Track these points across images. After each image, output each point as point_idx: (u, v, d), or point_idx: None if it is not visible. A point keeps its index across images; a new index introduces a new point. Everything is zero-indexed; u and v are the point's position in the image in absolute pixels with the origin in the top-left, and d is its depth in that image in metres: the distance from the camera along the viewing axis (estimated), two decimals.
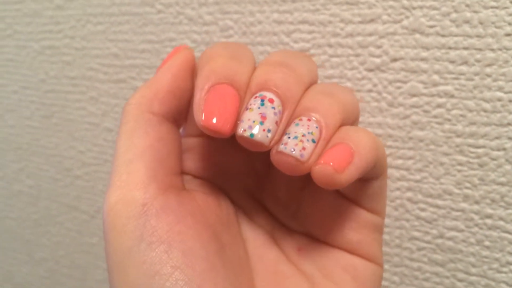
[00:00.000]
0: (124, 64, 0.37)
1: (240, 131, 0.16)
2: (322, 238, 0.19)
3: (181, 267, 0.15)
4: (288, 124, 0.16)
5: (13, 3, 0.41)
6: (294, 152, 0.15)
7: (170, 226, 0.16)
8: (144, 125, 0.18)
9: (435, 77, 0.26)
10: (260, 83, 0.17)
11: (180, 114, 0.19)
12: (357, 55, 0.28)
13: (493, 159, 0.26)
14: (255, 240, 0.20)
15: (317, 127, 0.16)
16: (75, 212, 0.45)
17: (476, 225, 0.28)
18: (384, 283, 0.31)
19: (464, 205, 0.28)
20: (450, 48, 0.26)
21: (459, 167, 0.27)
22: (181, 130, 0.20)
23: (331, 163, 0.15)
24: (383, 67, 0.28)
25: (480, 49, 0.25)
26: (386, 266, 0.31)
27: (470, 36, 0.25)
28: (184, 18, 0.33)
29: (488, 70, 0.25)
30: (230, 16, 0.32)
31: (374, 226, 0.19)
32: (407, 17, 0.26)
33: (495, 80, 0.25)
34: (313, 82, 0.18)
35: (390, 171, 0.29)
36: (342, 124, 0.17)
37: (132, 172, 0.17)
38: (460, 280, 0.29)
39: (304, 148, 0.16)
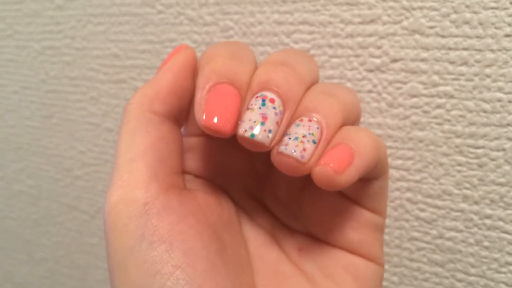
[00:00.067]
0: (125, 65, 0.37)
1: (241, 131, 0.16)
2: (323, 238, 0.19)
3: (182, 266, 0.15)
4: (289, 125, 0.16)
5: (14, 3, 0.41)
6: (294, 153, 0.15)
7: (171, 226, 0.16)
8: (145, 124, 0.18)
9: (435, 77, 0.26)
10: (261, 82, 0.17)
11: (181, 114, 0.19)
12: (357, 56, 0.28)
13: (493, 160, 0.26)
14: (256, 240, 0.20)
15: (318, 128, 0.16)
16: (75, 212, 0.45)
17: (475, 225, 0.28)
18: (383, 283, 0.31)
19: (463, 205, 0.28)
20: (450, 48, 0.26)
21: (458, 168, 0.27)
22: (182, 129, 0.20)
23: (331, 164, 0.15)
24: (383, 67, 0.28)
25: (479, 50, 0.25)
26: (385, 266, 0.31)
27: (469, 37, 0.25)
28: (184, 19, 0.33)
29: (487, 71, 0.25)
30: (230, 17, 0.32)
31: (375, 226, 0.19)
32: (407, 18, 0.26)
33: (494, 81, 0.25)
34: (314, 82, 0.18)
35: (389, 172, 0.29)
36: (343, 124, 0.17)
37: (134, 172, 0.17)
38: (459, 281, 0.29)
39: (304, 149, 0.16)
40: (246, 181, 0.21)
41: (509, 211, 0.27)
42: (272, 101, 0.16)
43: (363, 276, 0.19)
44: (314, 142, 0.16)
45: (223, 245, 0.17)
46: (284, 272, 0.19)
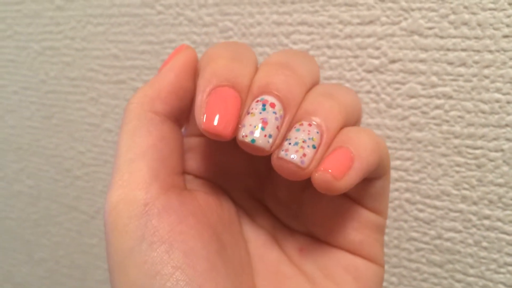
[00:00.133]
0: (124, 65, 0.37)
1: (241, 136, 0.16)
2: (323, 238, 0.19)
3: (182, 267, 0.15)
4: (289, 128, 0.16)
5: (14, 4, 0.41)
6: (294, 159, 0.16)
7: (171, 226, 0.16)
8: (146, 124, 0.18)
9: (434, 78, 0.27)
10: (262, 86, 0.16)
11: (182, 114, 0.19)
12: (356, 57, 0.28)
13: (491, 160, 0.26)
14: (256, 240, 0.20)
15: (317, 132, 0.16)
16: (75, 212, 0.45)
17: (474, 226, 0.28)
18: None
19: (462, 206, 0.28)
20: (448, 49, 0.26)
21: (457, 168, 0.27)
22: (182, 129, 0.20)
23: (330, 170, 0.15)
24: (381, 68, 0.28)
25: (478, 51, 0.25)
26: (384, 267, 0.31)
27: (468, 38, 0.25)
28: (184, 19, 0.33)
29: (486, 71, 0.25)
30: (229, 18, 0.32)
31: (376, 226, 0.19)
32: (405, 19, 0.26)
33: (493, 82, 0.25)
34: (315, 83, 0.18)
35: None
36: (344, 126, 0.17)
37: (134, 172, 0.17)
38: (458, 281, 0.29)
39: (304, 155, 0.16)
40: (247, 181, 0.21)
41: (507, 212, 0.27)
42: (272, 105, 0.16)
43: (364, 276, 0.19)
44: (314, 147, 0.16)
45: (223, 246, 0.17)
46: (284, 273, 0.19)
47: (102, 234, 0.45)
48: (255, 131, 0.16)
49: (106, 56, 0.38)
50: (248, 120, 0.16)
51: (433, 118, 0.27)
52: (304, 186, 0.20)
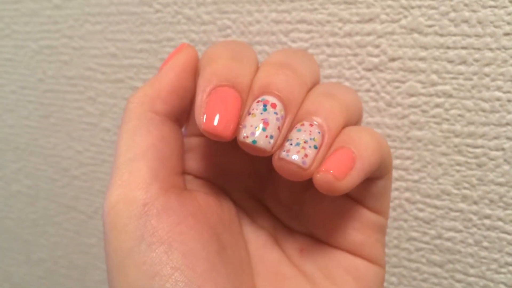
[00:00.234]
0: (122, 64, 0.37)
1: (242, 137, 0.16)
2: (324, 239, 0.19)
3: (181, 268, 0.15)
4: (290, 128, 0.16)
5: (11, 2, 0.41)
6: (296, 159, 0.15)
7: (171, 227, 0.16)
8: (146, 124, 0.18)
9: (434, 76, 0.26)
10: (263, 86, 0.16)
11: (182, 114, 0.19)
12: (355, 55, 0.28)
13: (492, 159, 0.26)
14: (257, 241, 0.20)
15: (319, 132, 0.16)
16: (73, 212, 0.45)
17: (475, 225, 0.28)
18: None
19: (462, 205, 0.28)
20: (448, 47, 0.26)
21: (457, 167, 0.27)
22: (183, 129, 0.20)
23: (331, 171, 0.15)
24: (381, 66, 0.28)
25: (478, 49, 0.25)
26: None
27: (468, 36, 0.25)
28: (182, 18, 0.33)
29: (486, 69, 0.25)
30: (228, 16, 0.31)
31: (377, 226, 0.19)
32: (405, 17, 0.26)
33: (493, 80, 0.25)
34: (315, 82, 0.18)
35: None
36: (345, 125, 0.17)
37: (134, 171, 0.17)
38: (459, 281, 0.29)
39: (306, 155, 0.16)
40: (247, 182, 0.21)
41: (508, 211, 0.26)
42: (273, 106, 0.16)
43: (364, 277, 0.19)
44: (315, 147, 0.16)
45: (223, 246, 0.17)
46: (284, 273, 0.19)
47: (101, 234, 0.45)
48: (256, 132, 0.16)
49: (104, 55, 0.38)
50: (249, 121, 0.16)
51: (433, 116, 0.27)
52: (305, 186, 0.20)
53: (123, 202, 0.16)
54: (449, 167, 0.27)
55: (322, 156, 0.16)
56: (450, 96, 0.26)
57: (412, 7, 0.26)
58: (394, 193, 0.29)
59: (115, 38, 0.37)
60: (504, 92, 0.25)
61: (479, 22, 0.25)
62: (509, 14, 0.24)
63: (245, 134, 0.16)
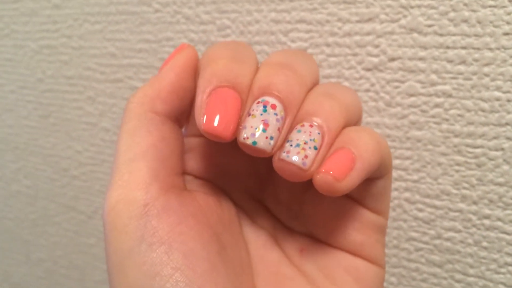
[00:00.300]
0: (122, 64, 0.37)
1: (242, 138, 0.16)
2: (324, 239, 0.19)
3: (182, 268, 0.15)
4: (290, 129, 0.16)
5: (11, 2, 0.41)
6: (296, 161, 0.15)
7: (171, 227, 0.16)
8: (146, 124, 0.18)
9: (433, 76, 0.26)
10: (263, 87, 0.16)
11: (182, 114, 0.19)
12: (355, 55, 0.28)
13: (491, 159, 0.26)
14: (257, 241, 0.20)
15: (319, 133, 0.16)
16: (72, 212, 0.45)
17: (474, 225, 0.28)
18: None
19: (462, 205, 0.28)
20: (448, 47, 0.26)
21: (457, 167, 0.27)
22: (183, 129, 0.20)
23: (331, 172, 0.15)
24: (381, 66, 0.27)
25: (478, 49, 0.25)
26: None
27: (468, 35, 0.25)
28: (181, 17, 0.33)
29: (486, 69, 0.25)
30: (227, 15, 0.31)
31: (377, 227, 0.19)
32: (405, 16, 0.26)
33: (493, 80, 0.25)
34: (315, 83, 0.18)
35: None
36: (345, 125, 0.17)
37: (134, 172, 0.17)
38: (458, 281, 0.29)
39: (306, 156, 0.16)
40: (247, 182, 0.21)
41: (508, 211, 0.26)
42: (273, 107, 0.16)
43: (364, 278, 0.19)
44: (315, 148, 0.16)
45: (223, 246, 0.17)
46: (284, 274, 0.19)
47: (100, 234, 0.45)
48: (256, 133, 0.16)
49: (103, 55, 0.38)
50: (249, 122, 0.16)
51: (433, 116, 0.27)
52: (305, 186, 0.20)
53: (123, 202, 0.16)
54: (448, 167, 0.27)
55: (322, 157, 0.16)
56: (450, 96, 0.26)
57: (412, 7, 0.26)
58: (394, 193, 0.29)
59: (114, 37, 0.37)
60: (504, 92, 0.25)
61: (479, 22, 0.25)
62: (508, 13, 0.24)
63: (245, 135, 0.16)
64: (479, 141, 0.26)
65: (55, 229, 0.47)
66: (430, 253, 0.29)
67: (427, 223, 0.29)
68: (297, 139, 0.16)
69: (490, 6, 0.24)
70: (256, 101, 0.16)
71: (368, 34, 0.27)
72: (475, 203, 0.27)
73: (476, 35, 0.25)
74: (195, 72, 0.19)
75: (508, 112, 0.25)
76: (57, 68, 0.41)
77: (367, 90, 0.28)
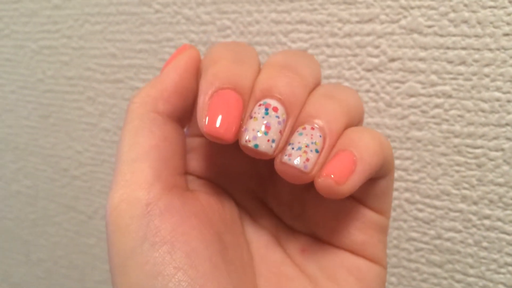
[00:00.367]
0: (122, 64, 0.37)
1: (244, 140, 0.16)
2: (326, 239, 0.19)
3: (184, 268, 0.15)
4: (292, 132, 0.16)
5: (11, 2, 0.41)
6: (298, 164, 0.16)
7: (173, 227, 0.16)
8: (149, 124, 0.18)
9: (433, 77, 0.26)
10: (264, 89, 0.16)
11: (184, 114, 0.19)
12: (355, 55, 0.28)
13: (491, 160, 0.26)
14: (259, 241, 0.20)
15: (320, 136, 0.16)
16: (72, 212, 0.45)
17: (474, 226, 0.28)
18: None
19: (462, 205, 0.28)
20: (448, 48, 0.26)
21: (457, 168, 0.27)
22: (185, 130, 0.20)
23: (332, 175, 0.15)
24: (381, 67, 0.28)
25: (478, 49, 0.25)
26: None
27: (468, 36, 0.25)
28: (181, 18, 0.33)
29: (486, 70, 0.25)
30: (227, 16, 0.31)
31: (379, 226, 0.19)
32: (405, 17, 0.26)
33: (493, 80, 0.25)
34: (317, 83, 0.18)
35: None
36: (346, 127, 0.17)
37: (136, 172, 0.17)
38: (458, 281, 0.29)
39: (307, 159, 0.16)
40: (249, 182, 0.21)
41: (508, 212, 0.27)
42: (275, 109, 0.16)
43: (366, 278, 0.19)
44: (316, 151, 0.16)
45: (225, 246, 0.17)
46: (286, 273, 0.19)
47: (100, 234, 0.45)
48: (258, 135, 0.16)
49: (104, 55, 0.38)
50: (251, 125, 0.16)
51: (433, 117, 0.27)
52: (307, 187, 0.20)
53: (125, 202, 0.16)
54: (448, 167, 0.27)
55: (324, 160, 0.16)
56: (450, 96, 0.26)
57: (412, 8, 0.26)
58: (394, 194, 0.29)
59: (114, 38, 0.37)
60: (504, 93, 0.25)
61: (479, 23, 0.25)
62: (508, 14, 0.24)
63: (247, 138, 0.16)
64: (479, 142, 0.26)
65: (55, 229, 0.47)
66: (430, 253, 0.29)
67: (427, 223, 0.29)
68: (299, 142, 0.16)
69: (490, 7, 0.24)
70: (258, 104, 0.16)
71: (368, 34, 0.27)
72: (475, 203, 0.27)
73: (476, 36, 0.25)
74: (197, 72, 0.19)
75: (508, 113, 0.25)
76: (57, 69, 0.41)
77: (367, 91, 0.28)
